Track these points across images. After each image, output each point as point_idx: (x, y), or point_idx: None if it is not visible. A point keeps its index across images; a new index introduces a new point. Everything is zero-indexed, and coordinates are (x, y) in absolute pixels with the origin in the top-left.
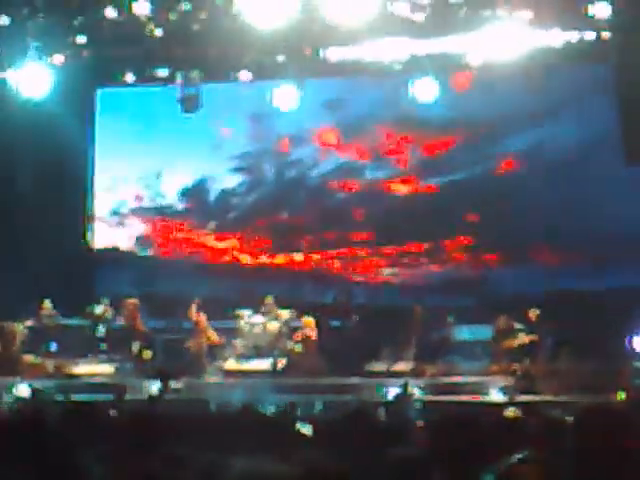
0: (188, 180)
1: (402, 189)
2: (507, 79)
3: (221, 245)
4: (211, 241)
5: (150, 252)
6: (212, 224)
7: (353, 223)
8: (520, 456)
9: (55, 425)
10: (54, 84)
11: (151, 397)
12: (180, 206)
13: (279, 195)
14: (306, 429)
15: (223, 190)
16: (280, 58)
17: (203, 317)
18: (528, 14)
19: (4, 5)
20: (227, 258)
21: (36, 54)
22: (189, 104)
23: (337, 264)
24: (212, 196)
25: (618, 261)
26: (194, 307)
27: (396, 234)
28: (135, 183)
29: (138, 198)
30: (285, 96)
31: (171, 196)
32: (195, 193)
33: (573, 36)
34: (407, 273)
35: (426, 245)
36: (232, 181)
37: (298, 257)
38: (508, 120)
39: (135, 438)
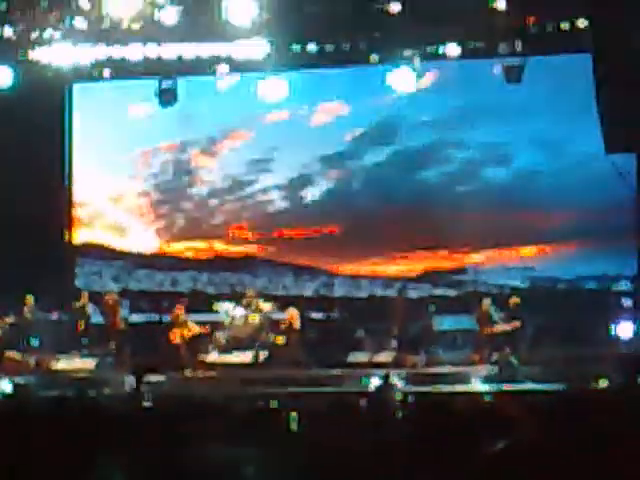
0: None
1: None
2: None
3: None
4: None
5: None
6: None
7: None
8: (500, 445)
9: (39, 420)
10: (22, 78)
11: (133, 391)
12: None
13: None
14: (290, 421)
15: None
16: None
17: (181, 309)
18: None
19: None
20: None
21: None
22: (166, 97)
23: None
24: None
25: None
26: (178, 303)
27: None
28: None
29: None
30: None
31: None
32: None
33: None
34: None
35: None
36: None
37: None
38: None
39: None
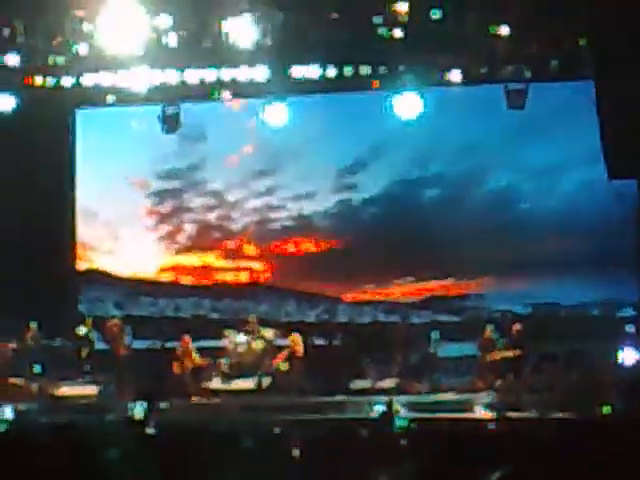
0: None
1: None
2: None
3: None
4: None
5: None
6: None
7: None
8: (503, 472)
9: (41, 447)
10: (26, 104)
11: (137, 419)
12: None
13: None
14: (293, 448)
15: None
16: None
17: (188, 339)
18: None
19: None
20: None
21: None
22: (170, 124)
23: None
24: None
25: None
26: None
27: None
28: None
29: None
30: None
31: None
32: None
33: None
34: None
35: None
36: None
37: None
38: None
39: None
